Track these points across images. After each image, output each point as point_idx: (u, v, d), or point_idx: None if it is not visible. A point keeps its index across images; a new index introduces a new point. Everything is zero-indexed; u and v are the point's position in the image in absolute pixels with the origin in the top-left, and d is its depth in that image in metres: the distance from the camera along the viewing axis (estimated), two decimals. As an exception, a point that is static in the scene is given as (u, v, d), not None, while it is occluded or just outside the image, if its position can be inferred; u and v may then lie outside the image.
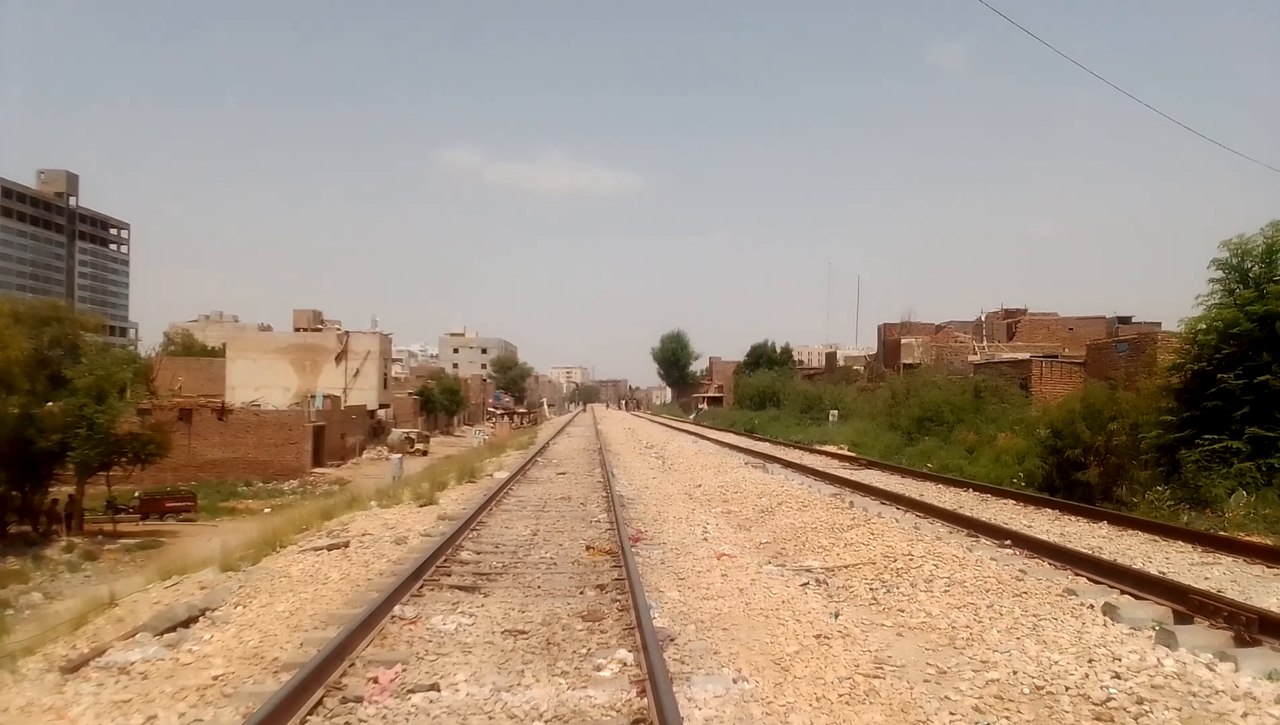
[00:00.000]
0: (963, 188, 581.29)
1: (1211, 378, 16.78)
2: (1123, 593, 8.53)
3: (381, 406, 72.08)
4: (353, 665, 6.36)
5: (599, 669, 6.39)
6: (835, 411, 47.30)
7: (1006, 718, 5.55)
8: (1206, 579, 9.42)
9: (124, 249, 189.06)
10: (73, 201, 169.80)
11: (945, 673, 6.41)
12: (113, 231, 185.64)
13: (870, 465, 25.40)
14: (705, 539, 12.35)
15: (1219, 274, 17.71)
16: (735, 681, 6.08)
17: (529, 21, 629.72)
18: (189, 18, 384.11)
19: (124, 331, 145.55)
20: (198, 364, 73.80)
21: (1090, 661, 6.42)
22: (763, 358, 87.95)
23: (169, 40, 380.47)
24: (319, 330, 74.95)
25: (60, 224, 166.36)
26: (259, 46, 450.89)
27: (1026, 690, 5.98)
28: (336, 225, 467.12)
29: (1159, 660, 6.36)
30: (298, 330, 74.39)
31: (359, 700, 5.69)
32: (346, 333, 72.20)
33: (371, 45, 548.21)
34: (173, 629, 7.85)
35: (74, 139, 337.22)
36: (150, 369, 57.64)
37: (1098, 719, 5.51)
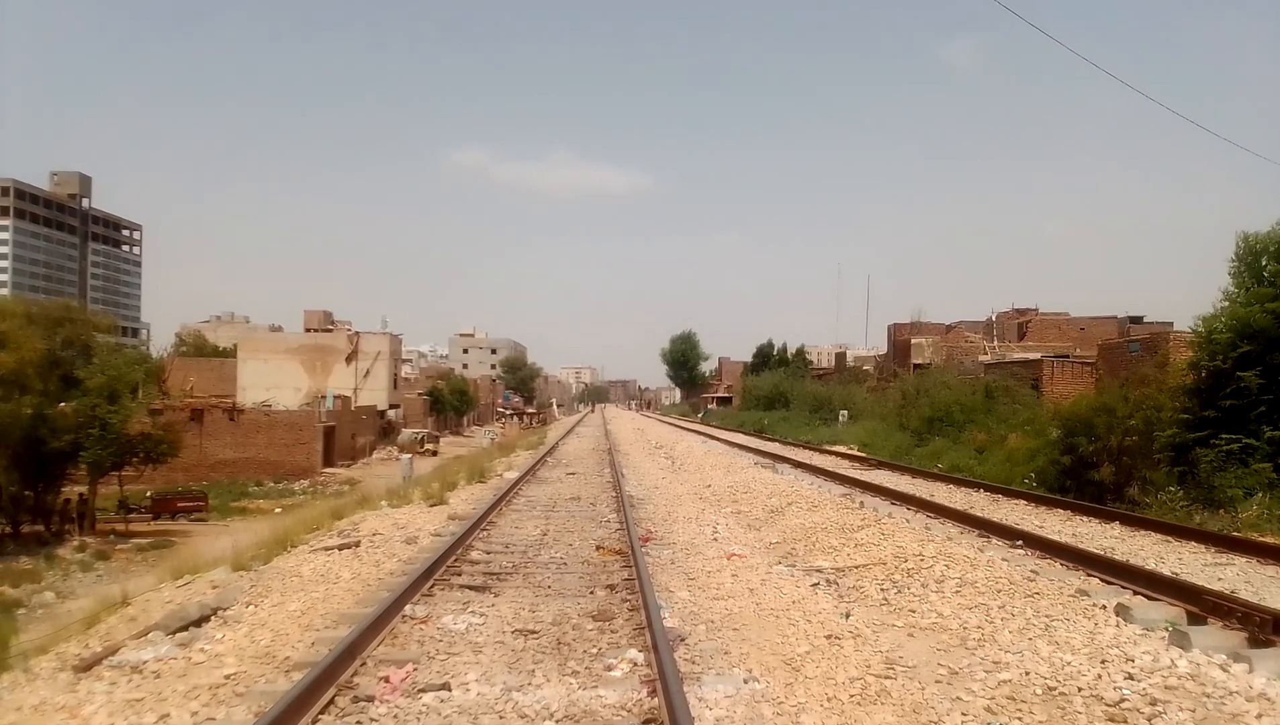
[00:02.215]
0: (973, 186, 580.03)
1: (1228, 376, 16.68)
2: (1136, 593, 8.49)
3: (391, 407, 72.28)
4: (364, 664, 6.38)
5: (609, 669, 6.39)
6: (845, 412, 47.22)
7: (1019, 719, 5.52)
8: (1220, 580, 9.37)
9: (136, 250, 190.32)
10: (85, 203, 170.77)
11: (957, 673, 6.38)
12: (125, 232, 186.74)
13: (880, 466, 25.35)
14: (715, 539, 12.34)
15: (1235, 269, 17.62)
16: (746, 682, 6.06)
17: (537, 21, 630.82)
18: (199, 19, 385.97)
19: (136, 332, 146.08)
20: (209, 364, 74.16)
21: (1103, 662, 6.38)
22: (768, 358, 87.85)
23: (180, 41, 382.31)
24: (329, 331, 75.22)
25: (73, 225, 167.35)
26: (269, 48, 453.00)
27: (1039, 691, 5.95)
28: (347, 226, 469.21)
29: (1172, 661, 6.32)
30: (308, 331, 74.65)
31: (370, 699, 5.70)
32: (357, 333, 72.45)
33: (380, 46, 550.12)
34: (185, 628, 7.88)
35: (86, 141, 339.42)
36: (162, 369, 57.96)
37: (1111, 720, 5.47)
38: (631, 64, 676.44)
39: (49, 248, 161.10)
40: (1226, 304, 17.81)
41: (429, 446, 62.00)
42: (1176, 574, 9.44)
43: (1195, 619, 7.56)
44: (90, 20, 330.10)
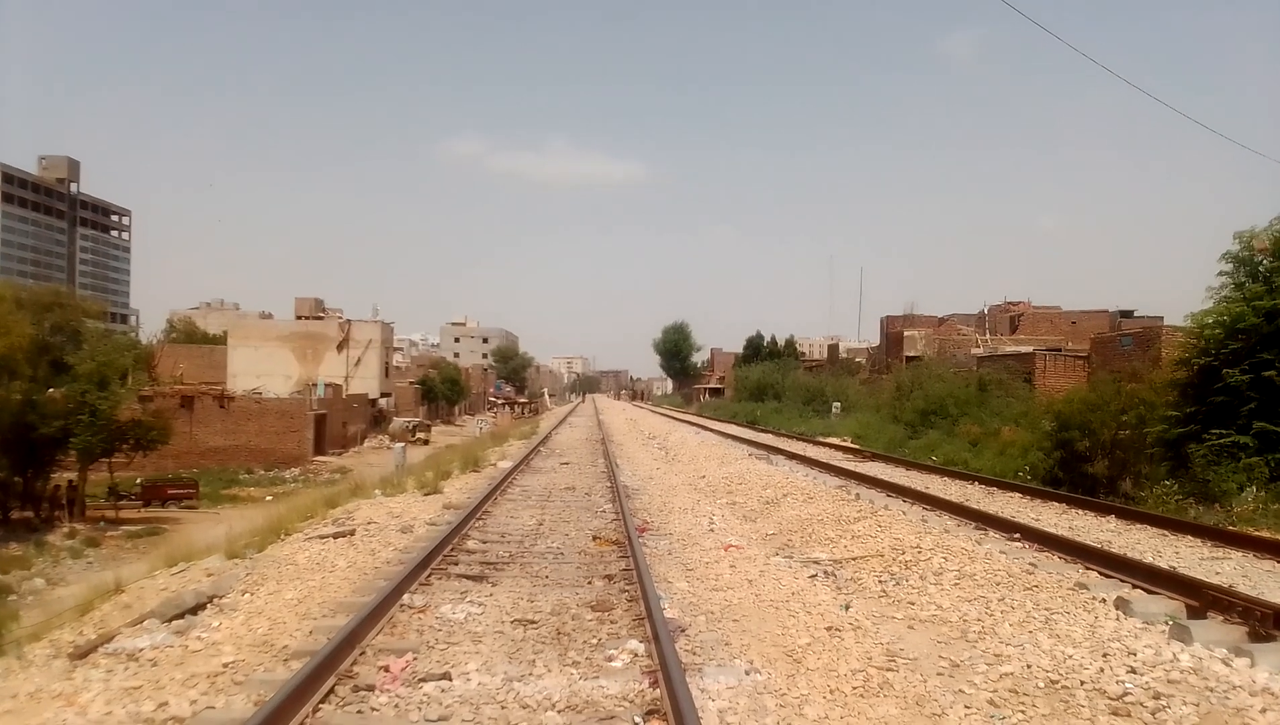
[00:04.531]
0: (967, 180, 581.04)
1: (1218, 372, 16.73)
2: (1135, 587, 8.50)
3: (383, 395, 72.07)
4: (363, 654, 6.33)
5: (610, 659, 6.35)
6: (838, 404, 47.26)
7: (1022, 712, 5.51)
8: (1218, 574, 9.39)
9: (125, 235, 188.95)
10: (74, 188, 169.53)
11: (958, 666, 6.37)
12: (114, 218, 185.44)
13: (874, 458, 25.37)
14: (712, 530, 12.31)
15: (1228, 267, 17.64)
16: (748, 673, 6.03)
17: (534, 11, 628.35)
18: (193, 5, 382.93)
19: (125, 318, 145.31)
20: (199, 351, 73.73)
21: (1105, 656, 6.38)
22: (759, 350, 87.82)
23: (173, 27, 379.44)
24: (321, 318, 74.79)
25: (62, 210, 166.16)
26: (263, 35, 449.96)
27: (1041, 684, 5.94)
28: (339, 213, 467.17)
29: (1174, 655, 6.32)
30: (299, 318, 74.21)
31: (371, 689, 5.65)
32: (348, 321, 72.09)
33: (375, 34, 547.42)
34: (181, 616, 7.81)
35: (76, 125, 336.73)
36: (152, 356, 57.66)
37: (1114, 714, 5.47)
38: (628, 55, 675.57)
39: (37, 232, 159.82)
40: (1213, 302, 17.84)
41: (421, 435, 61.81)
42: (1175, 568, 9.45)
43: (1195, 613, 7.56)
44: (82, 5, 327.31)
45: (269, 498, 34.39)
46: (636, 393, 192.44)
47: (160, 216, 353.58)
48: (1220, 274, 17.88)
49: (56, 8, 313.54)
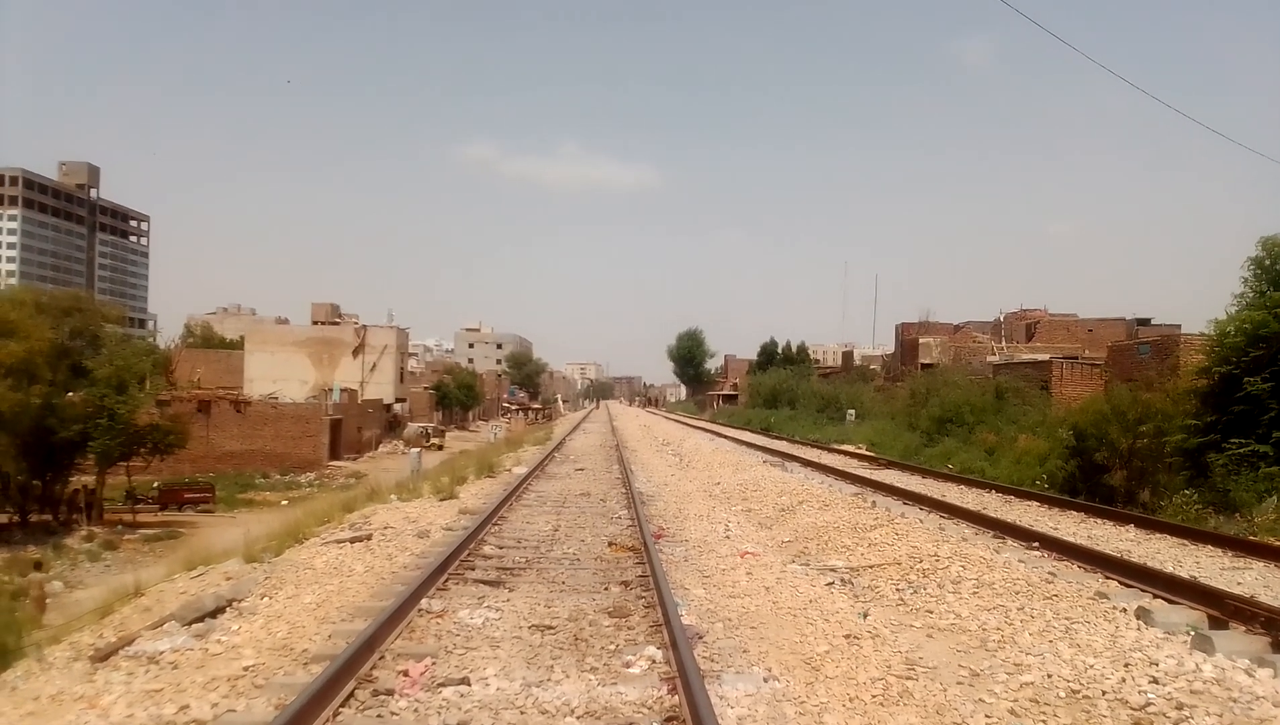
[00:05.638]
0: (982, 185, 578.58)
1: (1239, 381, 16.59)
2: (1156, 597, 8.43)
3: (398, 400, 72.29)
4: (382, 658, 6.34)
5: (628, 665, 6.35)
6: (853, 411, 47.10)
7: (1044, 721, 5.48)
8: (1239, 584, 9.30)
9: (144, 241, 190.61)
10: (93, 193, 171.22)
11: (978, 675, 6.34)
12: (133, 223, 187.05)
13: (890, 465, 25.27)
14: (728, 537, 12.29)
15: (1250, 274, 17.49)
16: (766, 680, 6.02)
17: (547, 16, 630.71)
18: (209, 9, 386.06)
19: (143, 323, 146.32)
20: (216, 356, 74.21)
21: (1126, 666, 6.34)
22: (773, 357, 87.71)
23: (190, 32, 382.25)
24: (336, 324, 75.27)
25: (81, 215, 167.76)
26: (279, 40, 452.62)
27: (1062, 694, 5.91)
28: (355, 219, 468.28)
29: (1197, 665, 6.28)
30: (315, 323, 74.71)
31: (390, 693, 5.67)
32: (364, 327, 72.40)
33: (389, 38, 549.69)
34: (200, 619, 7.85)
35: (95, 131, 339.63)
36: (169, 360, 58.06)
37: (1137, 724, 5.43)
38: (639, 59, 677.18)
39: (57, 237, 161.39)
40: (1235, 308, 17.70)
41: (435, 441, 61.94)
42: (1195, 577, 9.37)
43: (1217, 623, 7.50)
44: (99, 9, 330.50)
45: (285, 502, 34.55)
46: (650, 399, 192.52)
47: (179, 222, 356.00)
48: (1243, 280, 17.75)
49: (75, 12, 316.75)
